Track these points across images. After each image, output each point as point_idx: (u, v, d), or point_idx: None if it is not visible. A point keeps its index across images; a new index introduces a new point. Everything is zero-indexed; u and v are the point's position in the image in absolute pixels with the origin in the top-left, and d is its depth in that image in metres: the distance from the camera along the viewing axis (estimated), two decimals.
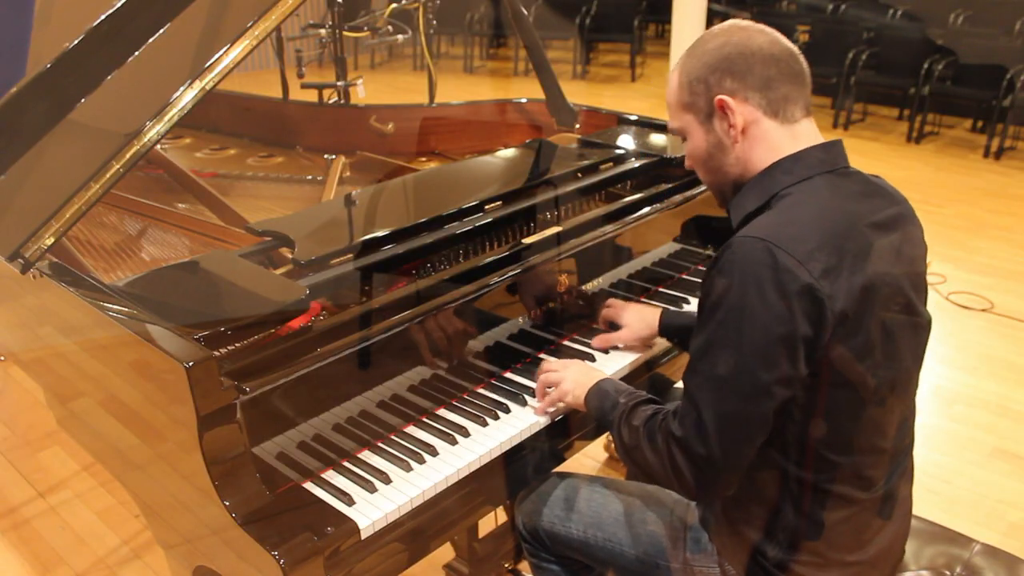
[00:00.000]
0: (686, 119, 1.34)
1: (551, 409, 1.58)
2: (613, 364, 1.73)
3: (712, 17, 8.71)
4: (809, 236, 1.17)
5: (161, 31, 1.69)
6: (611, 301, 1.85)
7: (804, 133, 1.29)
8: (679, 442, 1.25)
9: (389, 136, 2.72)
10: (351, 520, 1.31)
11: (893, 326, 1.25)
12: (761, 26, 1.30)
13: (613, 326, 1.82)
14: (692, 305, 1.99)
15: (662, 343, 1.81)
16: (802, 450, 1.25)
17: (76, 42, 1.67)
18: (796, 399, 1.21)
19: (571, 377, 1.56)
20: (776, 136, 1.28)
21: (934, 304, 3.81)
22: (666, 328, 1.75)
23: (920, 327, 1.32)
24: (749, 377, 1.18)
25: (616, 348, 1.78)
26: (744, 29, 1.29)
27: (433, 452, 1.47)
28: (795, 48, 1.29)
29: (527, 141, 2.34)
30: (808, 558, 1.32)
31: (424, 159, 2.68)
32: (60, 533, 2.52)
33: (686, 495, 1.34)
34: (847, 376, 1.21)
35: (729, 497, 1.36)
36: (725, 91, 1.27)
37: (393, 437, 1.51)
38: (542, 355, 1.76)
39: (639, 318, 1.78)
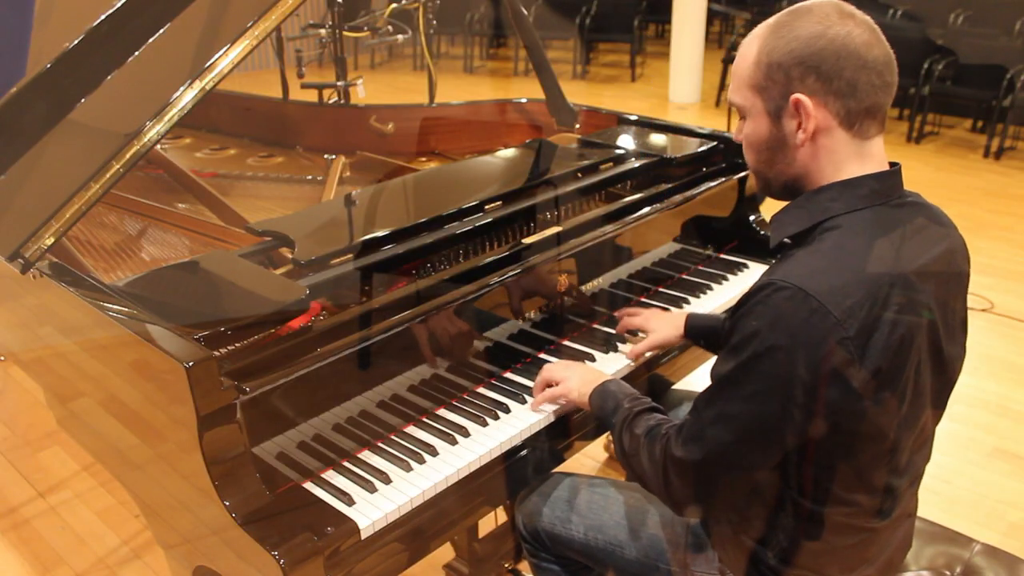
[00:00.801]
0: (753, 101, 1.21)
1: (550, 407, 1.58)
2: (613, 365, 1.73)
3: (712, 17, 8.72)
4: (851, 288, 1.10)
5: (161, 31, 1.69)
6: (633, 310, 1.84)
7: (871, 153, 1.19)
8: (677, 462, 1.25)
9: (389, 136, 2.72)
10: (351, 520, 1.31)
11: (924, 375, 1.20)
12: (864, 18, 1.16)
13: (632, 332, 1.81)
14: (692, 305, 1.99)
15: None
16: (814, 485, 1.22)
17: (76, 42, 1.67)
18: (812, 442, 1.17)
19: (576, 376, 1.56)
20: (845, 150, 1.17)
21: None
22: (692, 330, 1.74)
23: (952, 372, 1.27)
24: (763, 422, 1.16)
25: (616, 346, 1.78)
26: (846, 20, 1.14)
27: (433, 452, 1.47)
28: (891, 53, 1.16)
29: (527, 141, 2.34)
30: (810, 575, 1.31)
31: (424, 159, 2.68)
32: (60, 533, 2.52)
33: (673, 510, 1.34)
34: (870, 425, 1.16)
35: (735, 507, 1.36)
36: (806, 90, 1.14)
37: (393, 437, 1.51)
38: (542, 355, 1.76)
39: (666, 323, 1.76)
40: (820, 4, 1.16)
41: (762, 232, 2.25)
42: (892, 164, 1.22)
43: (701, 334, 1.74)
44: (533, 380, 1.65)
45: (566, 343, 1.81)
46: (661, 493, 1.31)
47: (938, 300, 1.19)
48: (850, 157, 1.18)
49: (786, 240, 1.23)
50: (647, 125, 2.48)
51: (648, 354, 1.77)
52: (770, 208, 1.41)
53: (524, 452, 1.56)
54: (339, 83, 3.37)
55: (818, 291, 1.08)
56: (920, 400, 1.22)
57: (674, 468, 1.26)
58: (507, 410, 1.58)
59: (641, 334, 1.80)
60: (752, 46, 1.19)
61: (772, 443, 1.17)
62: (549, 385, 1.60)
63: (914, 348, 1.16)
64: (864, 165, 1.19)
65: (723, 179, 2.16)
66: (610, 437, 2.75)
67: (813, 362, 1.09)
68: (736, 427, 1.18)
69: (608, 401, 1.48)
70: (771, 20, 1.19)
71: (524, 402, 1.61)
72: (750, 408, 1.16)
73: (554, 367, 1.61)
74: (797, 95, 1.15)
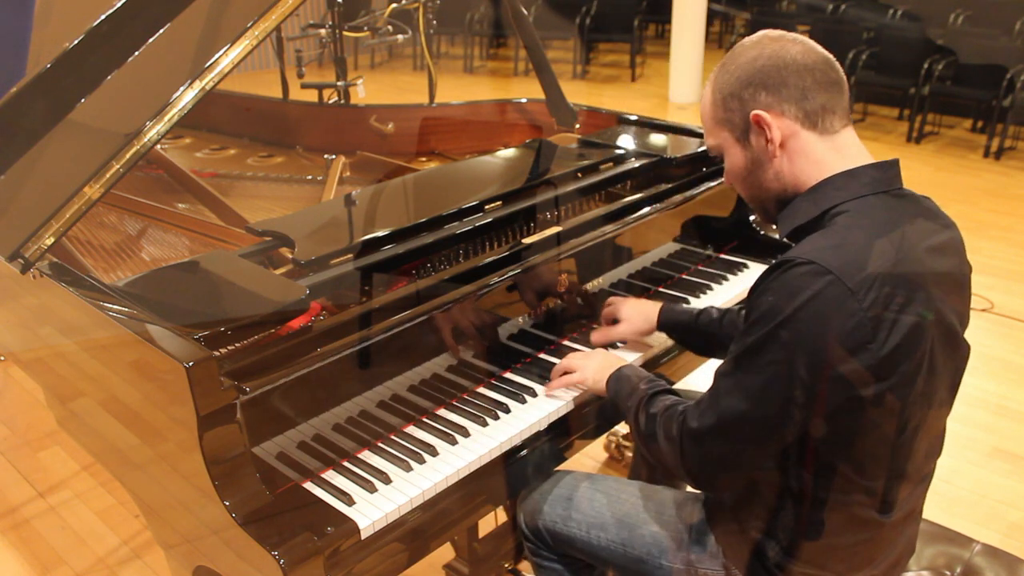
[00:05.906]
0: (722, 136, 1.32)
1: (567, 394, 1.61)
2: None
3: (712, 17, 8.72)
4: (864, 262, 1.14)
5: (161, 31, 1.69)
6: (611, 299, 1.85)
7: (845, 144, 1.25)
8: (694, 434, 1.27)
9: (389, 136, 2.72)
10: (351, 520, 1.31)
11: (936, 355, 1.22)
12: (795, 35, 1.27)
13: (614, 322, 1.82)
14: (692, 306, 1.99)
15: (663, 342, 1.81)
16: (827, 470, 1.23)
17: (76, 42, 1.67)
18: (828, 420, 1.18)
19: (593, 365, 1.59)
20: (817, 148, 1.24)
21: None
22: (665, 324, 1.75)
23: (961, 356, 1.29)
24: (781, 392, 1.17)
25: (615, 346, 1.78)
26: (777, 40, 1.26)
27: (433, 452, 1.47)
28: (830, 56, 1.26)
29: (527, 141, 2.34)
30: (816, 572, 1.31)
31: (424, 159, 2.68)
32: (60, 533, 2.52)
33: (693, 485, 1.36)
34: (884, 403, 1.18)
35: (741, 500, 1.36)
36: (760, 105, 1.24)
37: (393, 437, 1.51)
38: (542, 355, 1.76)
39: (637, 312, 1.78)
40: (752, 38, 1.29)
41: (762, 232, 2.25)
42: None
43: (674, 327, 1.75)
44: (533, 380, 1.65)
45: (566, 343, 1.81)
46: (677, 466, 1.32)
47: (944, 285, 1.22)
48: (825, 153, 1.25)
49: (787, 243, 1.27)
50: (647, 125, 2.48)
51: (620, 344, 1.79)
52: None
53: (524, 452, 1.56)
54: (339, 83, 3.37)
55: (832, 264, 1.13)
56: (935, 378, 1.24)
57: (689, 439, 1.28)
58: (507, 410, 1.58)
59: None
60: (707, 91, 1.33)
61: (788, 411, 1.18)
62: (567, 372, 1.62)
63: (926, 325, 1.18)
64: (844, 157, 1.25)
65: (723, 179, 2.16)
66: (609, 437, 2.76)
67: (829, 332, 1.12)
68: (750, 396, 1.20)
69: (624, 385, 1.50)
70: (719, 64, 1.32)
71: (524, 402, 1.61)
72: (765, 378, 1.18)
73: (573, 355, 1.64)
74: (754, 111, 1.25)
